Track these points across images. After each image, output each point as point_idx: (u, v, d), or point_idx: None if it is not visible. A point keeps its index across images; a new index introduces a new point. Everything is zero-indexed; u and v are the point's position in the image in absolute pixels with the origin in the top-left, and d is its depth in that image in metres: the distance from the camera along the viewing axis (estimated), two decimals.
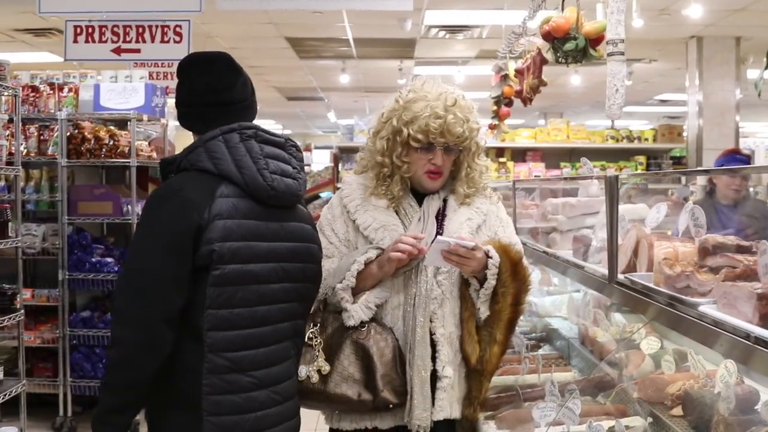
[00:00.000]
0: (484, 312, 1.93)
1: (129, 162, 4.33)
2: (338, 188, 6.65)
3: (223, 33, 7.01)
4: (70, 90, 4.54)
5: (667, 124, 7.52)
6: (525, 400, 2.21)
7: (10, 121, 3.83)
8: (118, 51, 3.72)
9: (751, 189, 4.37)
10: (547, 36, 2.85)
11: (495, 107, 4.89)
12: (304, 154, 9.47)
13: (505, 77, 4.66)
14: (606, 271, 2.05)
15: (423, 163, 1.93)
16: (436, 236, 1.87)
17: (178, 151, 1.80)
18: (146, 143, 4.77)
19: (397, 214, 1.98)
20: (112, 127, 4.62)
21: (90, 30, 3.72)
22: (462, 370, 1.97)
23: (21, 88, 3.99)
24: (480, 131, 1.99)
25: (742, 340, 1.38)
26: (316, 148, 15.46)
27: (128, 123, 4.42)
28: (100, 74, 4.83)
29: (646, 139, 7.04)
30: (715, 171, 3.83)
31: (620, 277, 1.95)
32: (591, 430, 1.77)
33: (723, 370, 1.66)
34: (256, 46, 7.77)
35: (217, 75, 1.70)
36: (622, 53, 2.27)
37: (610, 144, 6.99)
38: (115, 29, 3.70)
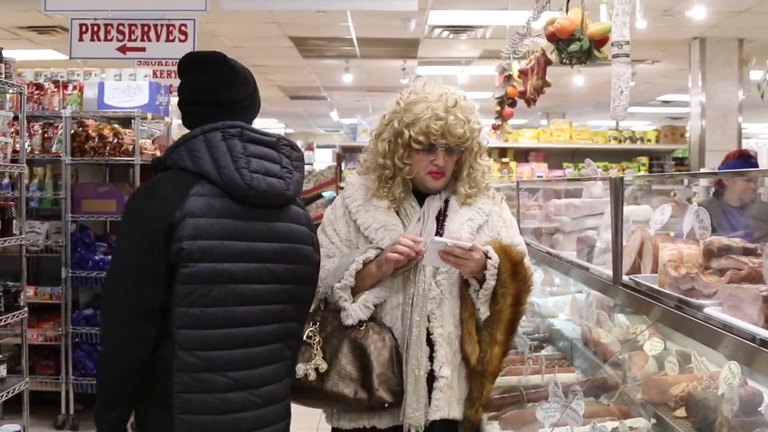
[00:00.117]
0: (484, 312, 1.93)
1: (133, 160, 4.34)
2: (341, 187, 6.65)
3: (227, 32, 7.02)
4: (74, 88, 4.56)
5: (670, 125, 7.53)
6: (528, 401, 2.21)
7: (15, 118, 3.84)
8: (123, 49, 3.72)
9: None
10: (552, 37, 2.86)
11: (498, 107, 4.89)
12: (307, 153, 9.42)
13: (509, 78, 4.66)
14: (610, 273, 2.05)
15: (425, 165, 1.94)
16: (433, 237, 1.88)
17: None
18: (150, 141, 4.78)
19: (397, 214, 1.98)
20: (116, 125, 4.64)
21: (95, 28, 3.72)
22: (462, 370, 1.97)
23: (26, 86, 4.00)
24: (482, 131, 2.00)
25: (748, 342, 1.39)
26: (319, 147, 15.49)
27: (132, 121, 4.43)
28: (104, 72, 4.85)
29: (649, 140, 7.04)
30: (723, 173, 3.83)
31: (625, 278, 1.96)
32: (595, 431, 1.78)
33: (726, 371, 1.66)
34: (260, 45, 7.78)
35: (216, 74, 1.70)
36: (627, 55, 2.28)
37: (613, 145, 6.99)
38: (121, 28, 3.70)
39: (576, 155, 7.15)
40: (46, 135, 4.52)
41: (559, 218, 2.78)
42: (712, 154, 6.92)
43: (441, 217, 2.00)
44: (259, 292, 1.66)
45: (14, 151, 3.81)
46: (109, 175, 4.95)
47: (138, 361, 1.60)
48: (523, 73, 4.11)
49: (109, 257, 4.41)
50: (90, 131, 4.46)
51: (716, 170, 4.99)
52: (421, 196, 2.02)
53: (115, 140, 4.43)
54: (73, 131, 4.43)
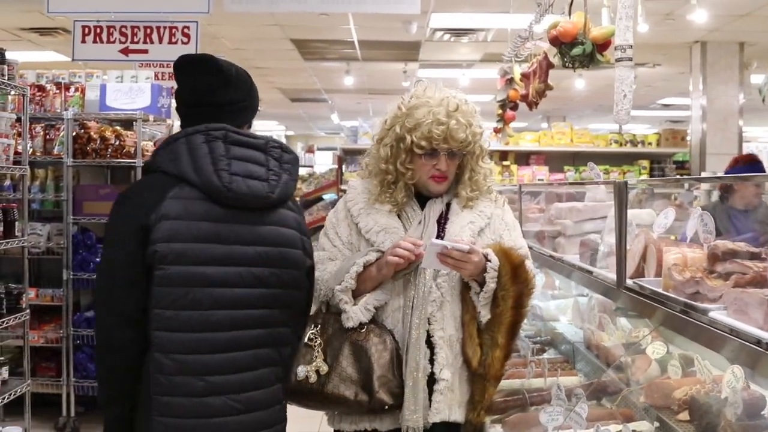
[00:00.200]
0: (485, 315, 1.93)
1: (134, 162, 4.34)
2: (342, 190, 6.64)
3: (229, 34, 7.03)
4: (76, 90, 4.56)
5: (671, 128, 7.53)
6: (531, 404, 2.21)
7: (18, 120, 3.84)
8: (125, 51, 3.73)
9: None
10: (555, 41, 2.86)
11: (500, 111, 4.90)
12: (307, 155, 9.41)
13: (511, 81, 4.67)
14: (614, 276, 2.06)
15: (427, 169, 1.95)
16: (432, 239, 1.88)
17: None
18: (152, 143, 4.78)
19: (399, 217, 1.99)
20: (117, 127, 4.63)
21: (98, 30, 3.73)
22: (464, 373, 1.97)
23: (29, 88, 4.00)
24: (483, 134, 2.00)
25: (753, 345, 1.39)
26: (319, 149, 15.50)
27: (134, 123, 4.43)
28: (105, 74, 4.85)
29: (650, 144, 7.04)
30: (726, 178, 3.82)
31: (629, 282, 1.96)
32: None
33: (730, 375, 1.67)
34: (261, 48, 7.79)
35: (200, 77, 1.69)
36: (631, 59, 2.28)
37: (614, 148, 6.99)
38: (123, 30, 3.71)
39: (577, 158, 7.15)
40: (47, 137, 4.52)
41: (562, 222, 2.78)
42: (713, 157, 6.93)
43: (442, 220, 2.00)
44: (241, 296, 1.63)
45: (16, 153, 3.81)
46: (110, 177, 4.95)
47: (123, 362, 1.62)
48: (525, 77, 4.11)
49: None
50: (92, 133, 4.46)
51: (722, 174, 4.98)
52: (423, 199, 2.02)
53: (117, 142, 4.43)
54: (74, 133, 4.43)
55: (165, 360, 1.58)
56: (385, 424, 1.95)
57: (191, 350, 1.59)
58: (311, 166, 14.12)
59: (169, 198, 1.59)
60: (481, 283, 1.90)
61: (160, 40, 3.71)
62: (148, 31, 3.71)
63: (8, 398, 3.43)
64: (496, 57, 7.72)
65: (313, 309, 2.04)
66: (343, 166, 6.79)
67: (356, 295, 1.93)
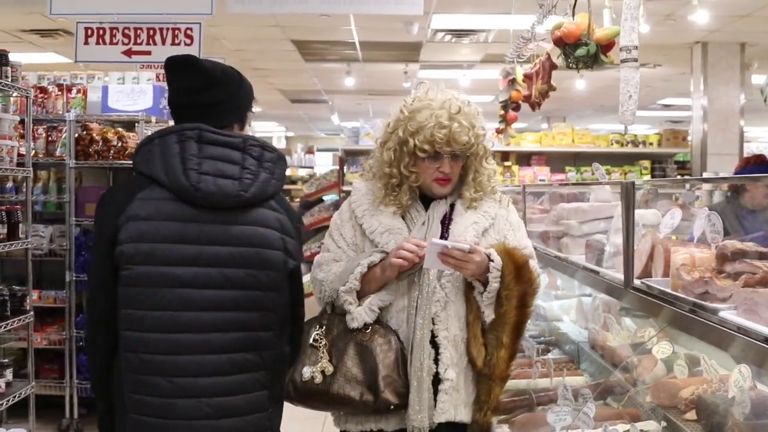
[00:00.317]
0: (489, 315, 1.94)
1: None
2: (343, 191, 6.60)
3: (230, 35, 7.03)
4: (78, 91, 4.56)
5: (672, 128, 7.54)
6: (538, 404, 2.21)
7: (21, 122, 3.84)
8: (128, 53, 3.73)
9: None
10: (559, 42, 2.87)
11: (502, 111, 4.90)
12: (307, 156, 9.37)
13: (513, 82, 4.67)
14: (621, 276, 2.06)
15: (431, 172, 1.95)
16: (432, 239, 1.89)
17: None
18: None
19: (403, 218, 2.00)
20: (120, 129, 4.64)
21: (101, 32, 3.73)
22: (469, 373, 1.97)
23: (32, 90, 4.00)
24: (486, 136, 2.00)
25: (763, 344, 1.39)
26: (319, 150, 15.49)
27: (136, 124, 4.43)
28: (107, 75, 4.85)
29: (651, 144, 7.04)
30: (732, 179, 3.83)
31: (636, 282, 1.96)
32: None
33: (737, 374, 1.67)
34: (262, 49, 7.79)
35: (184, 78, 1.69)
36: (636, 60, 2.29)
37: (615, 148, 6.99)
38: (126, 31, 3.71)
39: (578, 159, 7.16)
40: (49, 138, 4.53)
41: (567, 222, 2.79)
42: (714, 157, 6.93)
43: (447, 221, 2.01)
44: (211, 298, 1.59)
45: (19, 155, 3.81)
46: (113, 178, 4.95)
47: (99, 360, 1.66)
48: (527, 78, 4.12)
49: None
50: (94, 135, 4.46)
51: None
52: (427, 200, 2.03)
53: (119, 144, 4.44)
54: (77, 135, 4.43)
55: (135, 359, 1.59)
56: (390, 425, 1.96)
57: (159, 350, 1.58)
58: (311, 167, 14.11)
59: (137, 199, 1.60)
60: (485, 283, 1.91)
61: (163, 42, 3.71)
62: (151, 32, 3.71)
63: (13, 400, 3.43)
64: (496, 58, 7.73)
65: (318, 310, 2.04)
66: (345, 167, 6.78)
67: (361, 295, 1.94)
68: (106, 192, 1.74)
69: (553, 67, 3.66)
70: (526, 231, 2.14)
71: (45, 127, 4.54)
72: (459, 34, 7.02)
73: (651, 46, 6.84)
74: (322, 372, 1.90)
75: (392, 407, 1.90)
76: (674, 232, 2.07)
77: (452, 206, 2.03)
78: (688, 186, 5.06)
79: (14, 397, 3.43)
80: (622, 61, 2.32)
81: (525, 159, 7.14)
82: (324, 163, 14.22)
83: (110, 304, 1.61)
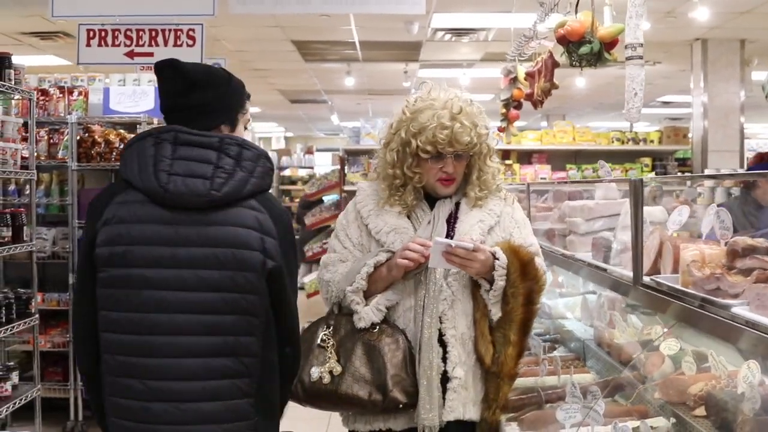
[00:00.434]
0: (495, 313, 1.95)
1: None
2: (344, 191, 6.59)
3: (230, 36, 7.03)
4: (79, 93, 4.57)
5: (673, 126, 7.54)
6: (547, 402, 2.22)
7: (24, 125, 3.84)
8: (131, 55, 3.73)
9: None
10: (562, 39, 2.87)
11: (504, 110, 4.90)
12: (306, 156, 9.34)
13: (514, 80, 4.67)
14: (630, 273, 2.06)
15: (434, 172, 1.96)
16: (435, 238, 1.89)
17: None
18: None
19: (408, 218, 2.00)
20: (122, 131, 4.64)
21: (103, 34, 3.73)
22: (477, 371, 1.98)
23: (35, 92, 4.00)
24: (489, 134, 2.00)
25: None
26: (318, 150, 15.47)
27: (138, 126, 4.43)
28: (108, 77, 4.85)
29: (652, 141, 7.05)
30: (743, 175, 3.82)
31: (645, 279, 1.96)
32: (616, 430, 1.79)
33: (746, 370, 1.67)
34: (262, 49, 7.79)
35: (167, 82, 1.69)
36: (641, 57, 2.29)
37: (616, 146, 7.00)
38: (128, 33, 3.71)
39: (579, 157, 7.16)
40: (51, 141, 4.53)
41: (573, 220, 2.79)
42: (715, 154, 6.94)
43: (452, 220, 2.01)
44: (187, 300, 1.56)
45: (22, 158, 3.81)
46: (115, 180, 4.96)
47: (82, 362, 1.70)
48: (529, 76, 4.12)
49: None
50: (96, 137, 4.47)
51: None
52: (433, 199, 2.03)
53: (122, 146, 4.44)
54: (79, 137, 4.44)
55: (112, 361, 1.60)
56: (399, 424, 1.96)
57: (135, 353, 1.58)
58: (311, 167, 14.11)
59: (114, 203, 1.61)
60: (491, 281, 1.91)
61: (166, 43, 3.72)
62: (153, 33, 3.71)
63: (19, 403, 3.43)
64: (496, 56, 7.73)
65: (325, 310, 2.05)
66: (346, 167, 6.78)
67: (367, 295, 1.95)
68: (93, 197, 1.75)
69: (556, 65, 3.67)
70: (531, 228, 2.14)
71: (47, 129, 4.55)
72: (459, 33, 7.02)
73: (651, 44, 6.83)
74: (330, 372, 1.91)
75: (401, 406, 1.90)
76: (682, 228, 2.07)
77: (457, 205, 2.03)
78: (700, 182, 5.06)
79: (20, 400, 3.43)
80: (627, 59, 2.32)
81: (526, 157, 7.15)
82: (323, 163, 14.21)
83: (92, 307, 1.62)
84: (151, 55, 3.71)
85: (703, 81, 7.04)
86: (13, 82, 3.44)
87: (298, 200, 11.24)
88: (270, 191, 1.70)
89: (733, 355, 1.82)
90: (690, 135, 7.23)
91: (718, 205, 1.63)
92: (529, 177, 6.62)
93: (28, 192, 4.44)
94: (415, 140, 1.92)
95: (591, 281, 2.59)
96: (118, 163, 4.42)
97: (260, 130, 16.94)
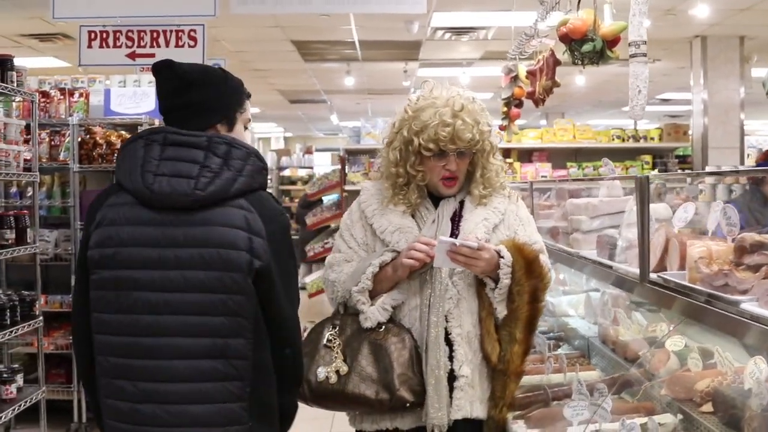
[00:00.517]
0: (501, 311, 1.95)
1: None
2: (345, 190, 6.56)
3: (230, 37, 7.03)
4: (80, 95, 4.57)
5: (673, 123, 7.54)
6: (553, 399, 2.22)
7: (26, 127, 3.84)
8: (132, 56, 3.73)
9: None
10: (565, 38, 2.87)
11: (505, 108, 4.91)
12: (305, 156, 9.28)
13: (515, 78, 4.68)
14: (637, 270, 2.07)
15: (438, 170, 1.96)
16: (440, 237, 1.89)
17: None
18: None
19: (413, 217, 2.00)
20: (123, 132, 4.64)
21: (104, 35, 3.73)
22: (484, 369, 1.98)
23: (37, 94, 4.00)
24: (492, 131, 2.01)
25: None
26: (317, 150, 15.47)
27: (139, 127, 4.43)
28: (108, 79, 4.85)
29: (652, 138, 7.05)
30: (747, 171, 3.82)
31: (653, 275, 1.97)
32: (624, 427, 1.79)
33: (753, 366, 1.68)
34: (262, 50, 7.79)
35: (162, 83, 1.69)
36: (645, 54, 2.29)
37: (617, 144, 7.00)
38: (130, 34, 3.71)
39: (579, 155, 7.16)
40: (52, 143, 4.53)
41: (578, 217, 2.80)
42: (715, 151, 6.95)
43: (456, 218, 2.02)
44: (174, 302, 1.55)
45: (24, 160, 3.81)
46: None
47: (80, 365, 1.70)
48: (531, 74, 4.12)
49: None
50: (97, 138, 4.47)
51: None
52: (437, 198, 2.04)
53: None
54: (80, 139, 4.44)
55: (105, 363, 1.60)
56: (406, 423, 1.96)
57: (125, 354, 1.58)
58: (311, 167, 14.11)
59: (106, 205, 1.62)
60: (496, 280, 1.92)
61: (167, 44, 3.72)
62: (155, 35, 3.71)
63: (24, 405, 3.43)
64: (496, 55, 7.74)
65: (326, 310, 2.05)
66: (346, 167, 6.78)
67: (373, 295, 1.95)
68: (93, 199, 1.76)
69: (557, 63, 3.67)
70: (535, 226, 2.14)
71: (48, 131, 4.54)
72: (459, 31, 7.02)
73: (651, 41, 6.76)
74: (337, 372, 1.91)
75: (408, 405, 1.91)
76: (688, 225, 2.08)
77: (462, 203, 2.04)
78: (703, 180, 5.07)
79: (26, 402, 3.43)
80: (631, 56, 2.33)
81: (526, 155, 7.14)
82: (322, 163, 14.20)
83: (87, 309, 1.63)
84: (152, 56, 3.71)
85: (703, 78, 7.05)
86: (15, 84, 3.44)
87: (297, 200, 11.23)
88: (264, 190, 1.67)
89: (738, 351, 1.82)
90: (690, 132, 7.23)
91: (726, 202, 1.64)
92: (530, 175, 6.62)
93: (29, 194, 4.44)
94: (418, 138, 1.92)
95: (596, 279, 2.60)
96: None
97: (259, 130, 16.95)
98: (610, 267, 2.34)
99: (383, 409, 1.92)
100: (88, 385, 1.69)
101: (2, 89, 3.34)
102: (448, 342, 1.93)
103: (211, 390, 1.55)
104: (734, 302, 1.50)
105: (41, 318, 3.66)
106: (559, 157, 7.05)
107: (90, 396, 1.71)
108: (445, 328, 1.93)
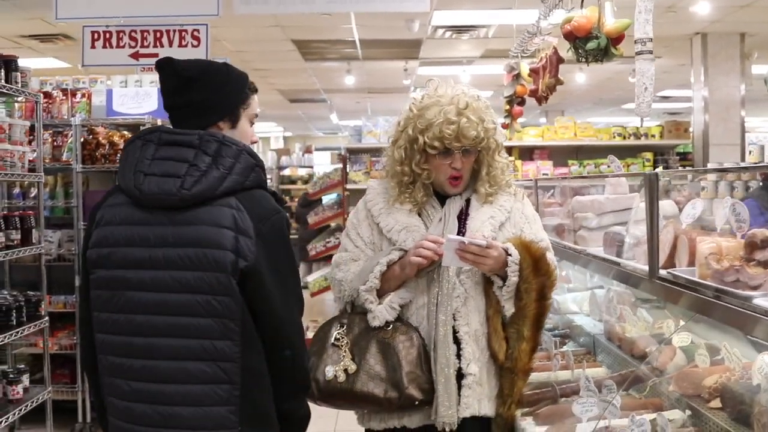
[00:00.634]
0: (509, 309, 1.96)
1: None
2: (347, 189, 6.55)
3: (230, 36, 7.02)
4: (83, 95, 4.56)
5: (674, 120, 7.54)
6: (561, 396, 2.23)
7: (30, 128, 3.84)
8: (136, 56, 3.73)
9: None
10: (569, 35, 2.88)
11: (507, 106, 4.91)
12: (305, 156, 9.26)
13: (518, 76, 4.68)
14: (645, 267, 2.07)
15: (443, 169, 1.96)
16: (448, 235, 1.89)
17: None
18: None
19: (419, 215, 2.01)
20: (126, 132, 4.64)
21: (107, 35, 3.74)
22: (491, 367, 1.99)
23: (41, 95, 4.00)
24: (497, 129, 2.01)
25: None
26: (317, 149, 15.47)
27: (142, 128, 4.43)
28: (109, 79, 4.85)
29: (653, 136, 7.05)
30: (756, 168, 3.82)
31: (662, 272, 1.97)
32: (634, 423, 1.79)
33: (761, 362, 1.68)
34: (262, 49, 7.78)
35: (164, 81, 1.69)
36: (651, 52, 2.30)
37: (618, 141, 7.00)
38: (133, 34, 3.71)
39: (580, 152, 7.16)
40: (55, 143, 4.53)
41: (584, 215, 2.80)
42: (716, 148, 6.96)
43: (463, 217, 2.02)
44: (159, 301, 1.55)
45: (29, 161, 3.81)
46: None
47: (89, 366, 1.69)
48: (534, 72, 4.13)
49: None
50: (100, 138, 4.47)
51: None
52: (442, 197, 2.04)
53: None
54: (83, 139, 4.43)
55: (105, 361, 1.62)
56: (414, 421, 1.97)
57: (118, 353, 1.59)
58: (311, 167, 14.11)
59: (105, 206, 1.64)
60: (503, 278, 1.92)
61: (170, 44, 3.72)
62: (158, 34, 3.71)
63: (31, 406, 3.43)
64: (496, 53, 7.74)
65: (329, 308, 2.05)
66: (348, 166, 6.78)
67: (380, 294, 1.96)
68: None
69: (560, 61, 3.68)
70: (541, 223, 2.15)
71: (50, 132, 4.54)
72: (459, 30, 7.02)
73: None
74: (345, 371, 1.91)
75: (417, 403, 1.91)
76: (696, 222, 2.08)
77: (468, 201, 2.04)
78: (689, 177, 5.08)
79: (32, 402, 3.44)
80: (637, 54, 2.33)
81: (527, 153, 7.15)
82: (322, 162, 14.21)
83: (88, 307, 1.66)
84: (156, 56, 3.70)
85: (704, 75, 7.06)
86: (20, 85, 3.44)
87: (297, 199, 11.24)
88: (262, 189, 1.63)
89: (745, 347, 1.83)
90: (691, 129, 7.24)
91: (743, 199, 1.64)
92: (531, 173, 6.63)
93: (32, 195, 4.44)
94: (423, 136, 1.93)
95: (603, 276, 2.60)
96: None
97: (259, 129, 16.90)
98: (618, 264, 2.35)
99: (392, 407, 1.93)
100: (91, 382, 1.72)
101: (7, 90, 3.34)
102: (456, 340, 1.94)
103: (199, 392, 1.53)
104: (747, 297, 1.51)
105: (47, 318, 3.66)
106: (560, 154, 7.05)
107: (93, 391, 1.73)
108: (453, 327, 1.94)
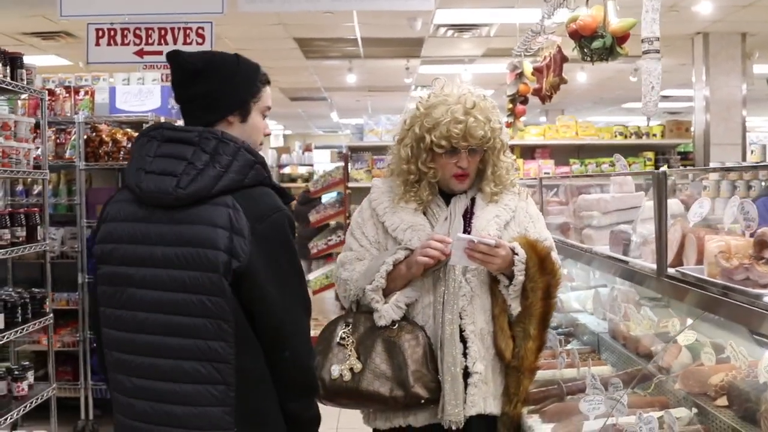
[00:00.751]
0: (515, 308, 1.96)
1: None
2: (348, 188, 6.55)
3: (232, 34, 7.02)
4: (86, 93, 4.56)
5: (675, 119, 7.56)
6: (568, 394, 2.23)
7: (36, 125, 3.84)
8: (140, 53, 3.74)
9: None
10: (575, 34, 2.88)
11: (510, 105, 4.92)
12: (305, 154, 9.27)
13: (521, 75, 4.68)
14: (653, 266, 2.08)
15: (449, 167, 1.97)
16: (457, 234, 1.90)
17: None
18: None
19: (424, 214, 2.01)
20: (129, 130, 4.64)
21: (112, 33, 3.73)
22: (497, 366, 2.00)
23: (46, 92, 4.00)
24: (503, 129, 2.02)
25: None
26: (317, 148, 15.48)
27: (145, 125, 4.43)
28: (112, 76, 4.85)
29: (654, 135, 7.06)
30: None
31: (670, 270, 1.98)
32: (642, 421, 1.80)
33: (767, 360, 1.69)
34: (264, 47, 7.78)
35: (173, 74, 1.67)
36: (658, 51, 2.30)
37: (619, 140, 7.01)
38: (138, 32, 3.71)
39: (582, 151, 7.17)
40: (58, 141, 4.53)
41: (590, 213, 2.81)
42: (717, 147, 6.97)
43: (468, 216, 2.03)
44: (161, 300, 1.54)
45: (34, 158, 3.81)
46: (122, 179, 4.95)
47: (99, 360, 1.71)
48: (537, 71, 4.13)
49: None
50: (103, 136, 4.46)
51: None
52: (448, 196, 2.04)
53: (129, 145, 4.44)
54: (86, 136, 4.43)
55: (110, 357, 1.62)
56: (419, 420, 1.97)
57: (122, 349, 1.59)
58: (311, 165, 14.12)
59: (112, 202, 1.64)
60: (510, 277, 1.93)
61: (175, 41, 3.72)
62: (163, 32, 3.71)
63: (35, 403, 3.44)
64: (498, 52, 7.75)
65: (331, 306, 2.05)
66: (349, 164, 6.78)
67: (386, 293, 1.96)
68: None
69: (564, 59, 3.68)
70: (545, 223, 2.16)
71: (54, 129, 4.54)
72: (461, 28, 7.03)
73: None
74: (351, 369, 1.91)
75: (422, 402, 1.92)
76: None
77: (473, 200, 2.04)
78: (690, 176, 5.09)
79: (36, 399, 3.44)
80: (644, 53, 2.34)
81: (529, 152, 7.15)
82: (322, 161, 14.22)
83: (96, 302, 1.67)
84: (160, 53, 3.70)
85: (705, 74, 7.07)
86: (25, 82, 3.44)
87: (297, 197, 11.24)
88: (265, 186, 1.60)
89: (750, 346, 1.84)
90: (692, 129, 7.25)
91: (756, 198, 1.65)
92: (533, 172, 6.64)
93: (36, 192, 4.44)
94: (429, 135, 1.93)
95: (610, 274, 2.61)
96: (126, 163, 4.45)
97: None
98: (625, 262, 2.36)
99: (397, 406, 1.93)
100: (105, 375, 1.71)
101: (13, 87, 3.34)
102: (462, 339, 1.94)
103: (194, 392, 1.52)
104: (757, 296, 1.52)
105: (51, 315, 3.66)
106: (561, 153, 7.06)
107: (108, 387, 1.73)
108: (459, 325, 1.94)
